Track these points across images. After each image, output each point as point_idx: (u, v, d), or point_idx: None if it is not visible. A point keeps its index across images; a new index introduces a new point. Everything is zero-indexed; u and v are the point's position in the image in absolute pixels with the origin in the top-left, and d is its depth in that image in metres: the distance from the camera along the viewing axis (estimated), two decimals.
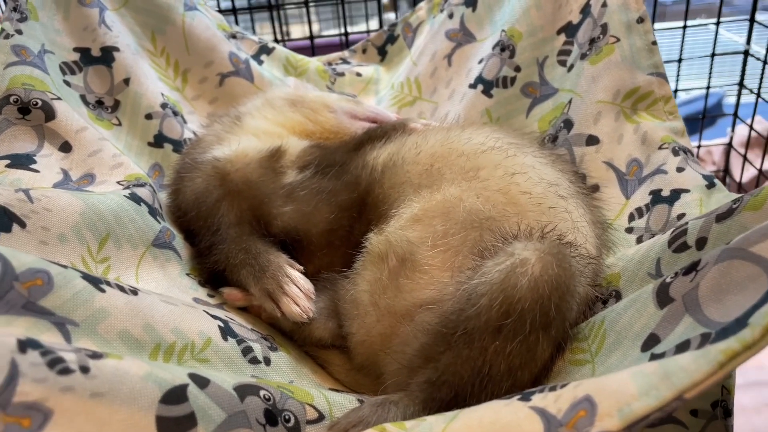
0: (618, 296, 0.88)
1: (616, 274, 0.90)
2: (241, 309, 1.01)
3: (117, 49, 1.26)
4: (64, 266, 0.69)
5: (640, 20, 1.15)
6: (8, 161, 1.00)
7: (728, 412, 0.75)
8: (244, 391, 0.68)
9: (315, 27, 2.92)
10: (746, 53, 1.70)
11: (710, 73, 1.75)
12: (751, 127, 1.69)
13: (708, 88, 1.77)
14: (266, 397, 0.70)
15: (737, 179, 1.80)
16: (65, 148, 1.05)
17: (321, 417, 0.76)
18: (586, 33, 1.21)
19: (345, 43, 1.81)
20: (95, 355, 0.57)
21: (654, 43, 1.14)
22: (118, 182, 1.05)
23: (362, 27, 2.52)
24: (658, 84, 1.13)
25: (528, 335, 0.72)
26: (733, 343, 0.49)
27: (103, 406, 0.55)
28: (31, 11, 1.17)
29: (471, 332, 0.73)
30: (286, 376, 0.87)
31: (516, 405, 0.59)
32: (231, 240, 1.01)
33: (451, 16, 1.46)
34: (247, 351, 0.84)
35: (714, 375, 0.48)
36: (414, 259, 0.86)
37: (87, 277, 0.71)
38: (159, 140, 1.27)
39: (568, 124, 1.18)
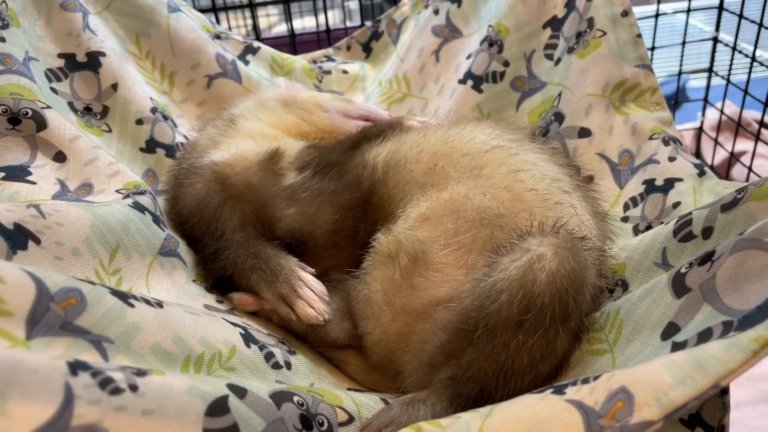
0: (624, 285, 0.91)
1: (622, 263, 0.93)
2: (251, 313, 1.01)
3: (103, 54, 1.24)
4: (93, 283, 0.69)
5: (625, 13, 1.18)
6: (3, 174, 0.98)
7: (725, 390, 0.79)
8: (279, 398, 0.69)
9: (274, 20, 2.88)
10: (715, 40, 1.76)
11: (681, 60, 1.80)
12: (721, 111, 1.75)
13: (680, 74, 1.83)
14: (300, 402, 0.71)
15: (709, 162, 1.86)
16: (59, 158, 1.03)
17: (351, 419, 0.77)
18: (572, 27, 1.24)
19: (327, 39, 1.81)
20: (140, 373, 0.58)
21: (639, 35, 1.17)
22: (117, 191, 1.04)
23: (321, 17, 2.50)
24: (645, 75, 1.16)
25: (548, 328, 0.75)
26: (764, 331, 0.52)
27: (154, 422, 0.55)
28: (12, 18, 1.14)
29: (493, 328, 0.75)
30: (307, 378, 0.88)
31: (551, 399, 0.62)
32: (237, 245, 1.01)
33: (436, 12, 1.48)
34: (269, 356, 0.85)
35: (748, 362, 0.51)
36: (427, 257, 0.87)
37: (115, 293, 0.71)
38: (151, 145, 1.26)
39: (559, 117, 1.21)
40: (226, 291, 1.03)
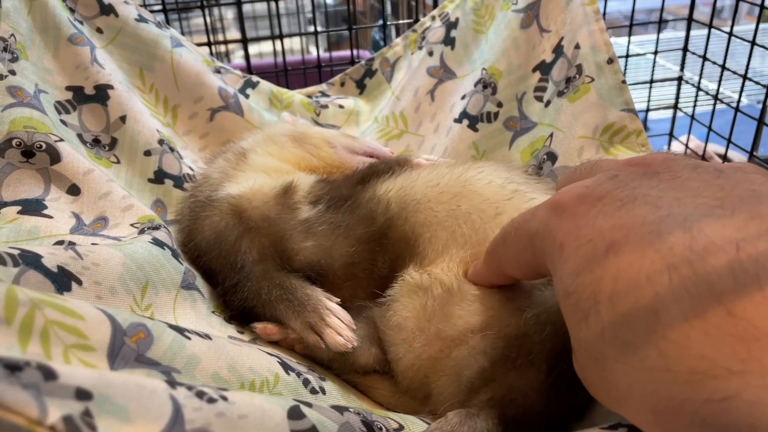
0: None
1: None
2: (272, 343, 1.04)
3: (111, 87, 1.26)
4: (151, 318, 0.72)
5: (610, 61, 1.28)
6: (19, 207, 0.99)
7: None
8: (339, 409, 0.72)
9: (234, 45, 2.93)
10: (680, 79, 1.90)
11: (649, 98, 1.94)
12: (686, 146, 1.89)
13: (647, 111, 1.96)
14: (356, 411, 0.75)
15: None
16: (73, 191, 1.05)
17: (401, 427, 0.81)
18: (561, 72, 1.33)
19: (318, 73, 1.86)
20: (221, 389, 0.61)
21: (624, 81, 1.27)
22: (131, 224, 1.06)
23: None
24: (630, 119, 1.26)
25: None
26: None
27: (252, 425, 0.58)
28: (21, 51, 1.15)
29: (536, 356, 0.81)
30: (340, 402, 0.92)
31: None
32: (260, 276, 1.04)
33: (431, 53, 1.56)
34: (306, 383, 0.88)
35: None
36: (463, 288, 0.92)
37: (172, 327, 0.74)
38: (159, 176, 1.28)
39: (552, 157, 1.29)
40: (244, 322, 1.06)
